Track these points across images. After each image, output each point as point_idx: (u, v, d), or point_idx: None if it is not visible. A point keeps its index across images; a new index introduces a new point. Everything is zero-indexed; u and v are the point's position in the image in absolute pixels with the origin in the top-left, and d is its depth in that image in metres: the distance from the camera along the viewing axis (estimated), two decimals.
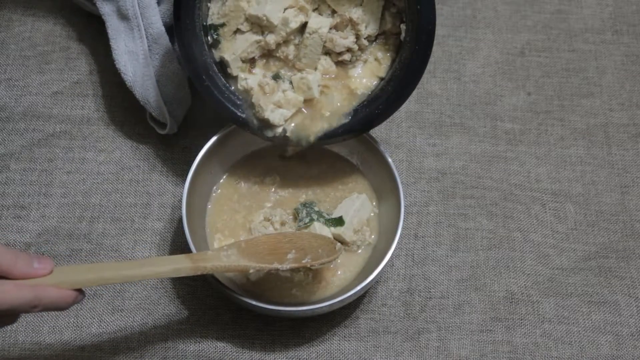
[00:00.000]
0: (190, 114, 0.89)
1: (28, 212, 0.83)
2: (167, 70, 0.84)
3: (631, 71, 0.96)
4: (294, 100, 0.77)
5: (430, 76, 0.94)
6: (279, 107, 0.77)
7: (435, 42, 0.96)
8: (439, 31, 0.97)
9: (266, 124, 0.77)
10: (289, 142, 0.78)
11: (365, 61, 0.79)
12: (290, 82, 0.78)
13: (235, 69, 0.77)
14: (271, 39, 0.77)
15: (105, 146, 0.88)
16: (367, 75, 0.79)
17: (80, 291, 0.62)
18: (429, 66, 0.94)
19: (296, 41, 0.78)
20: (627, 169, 0.89)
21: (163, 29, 0.85)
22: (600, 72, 0.96)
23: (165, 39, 0.84)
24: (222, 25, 0.77)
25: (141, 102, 0.84)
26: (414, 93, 0.92)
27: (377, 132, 0.90)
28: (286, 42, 0.78)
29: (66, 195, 0.84)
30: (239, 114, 0.77)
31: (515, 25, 0.99)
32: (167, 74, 0.84)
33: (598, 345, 0.79)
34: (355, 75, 0.79)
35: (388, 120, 0.90)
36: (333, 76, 0.79)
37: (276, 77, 0.78)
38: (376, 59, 0.79)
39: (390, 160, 0.78)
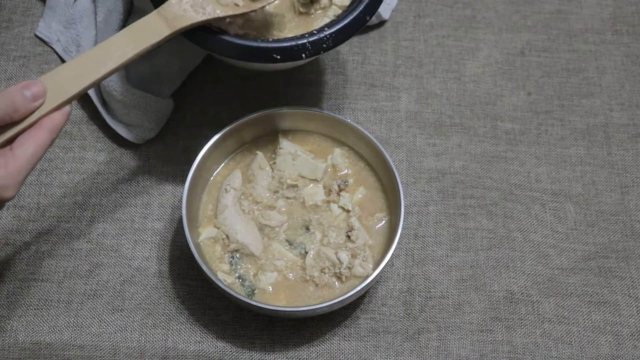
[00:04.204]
0: (191, 115, 0.89)
1: (28, 212, 0.83)
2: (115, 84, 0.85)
3: (631, 71, 0.96)
4: None
5: (430, 76, 0.94)
6: None
7: (435, 42, 0.96)
8: (439, 31, 0.97)
9: None
10: None
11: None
12: None
13: None
14: None
15: (105, 146, 0.87)
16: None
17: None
18: (429, 66, 0.95)
19: None
20: (627, 169, 0.89)
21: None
22: (600, 72, 0.96)
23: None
24: None
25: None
26: (414, 93, 0.93)
27: (377, 132, 0.90)
28: None
29: (66, 195, 0.84)
30: None
31: (515, 25, 0.99)
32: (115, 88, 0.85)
33: (598, 345, 0.79)
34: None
35: (388, 120, 0.91)
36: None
37: None
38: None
39: (390, 160, 0.79)
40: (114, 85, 0.84)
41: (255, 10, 0.72)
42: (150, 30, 0.66)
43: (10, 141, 0.61)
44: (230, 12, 0.70)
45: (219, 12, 0.69)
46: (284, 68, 0.83)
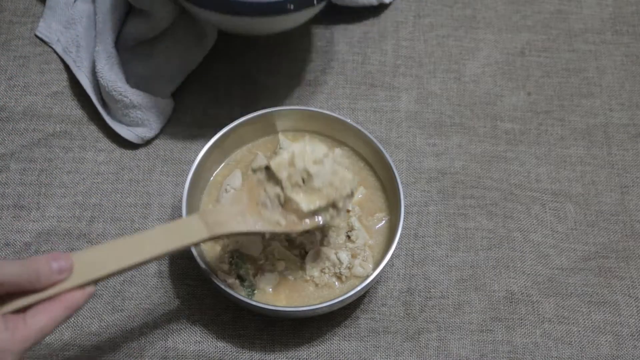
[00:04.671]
0: (191, 115, 0.89)
1: (28, 212, 0.83)
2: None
3: (631, 71, 0.96)
4: None
5: (430, 76, 0.94)
6: None
7: (435, 42, 0.96)
8: (439, 31, 0.97)
9: None
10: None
11: None
12: None
13: None
14: None
15: (105, 146, 0.88)
16: None
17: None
18: (429, 66, 0.95)
19: None
20: (627, 169, 0.89)
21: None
22: (600, 72, 0.96)
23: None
24: None
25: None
26: (414, 93, 0.93)
27: (377, 132, 0.90)
28: None
29: (65, 195, 0.84)
30: None
31: (515, 25, 0.99)
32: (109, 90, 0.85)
33: (598, 345, 0.79)
34: None
35: (388, 120, 0.91)
36: None
37: None
38: None
39: (390, 160, 0.79)
40: (114, 85, 0.84)
41: (294, 232, 0.71)
42: (189, 231, 0.66)
43: (26, 308, 0.59)
44: (270, 229, 0.69)
45: (259, 227, 0.69)
46: (294, 25, 0.84)
